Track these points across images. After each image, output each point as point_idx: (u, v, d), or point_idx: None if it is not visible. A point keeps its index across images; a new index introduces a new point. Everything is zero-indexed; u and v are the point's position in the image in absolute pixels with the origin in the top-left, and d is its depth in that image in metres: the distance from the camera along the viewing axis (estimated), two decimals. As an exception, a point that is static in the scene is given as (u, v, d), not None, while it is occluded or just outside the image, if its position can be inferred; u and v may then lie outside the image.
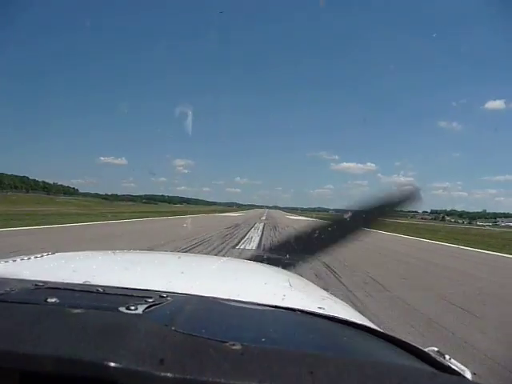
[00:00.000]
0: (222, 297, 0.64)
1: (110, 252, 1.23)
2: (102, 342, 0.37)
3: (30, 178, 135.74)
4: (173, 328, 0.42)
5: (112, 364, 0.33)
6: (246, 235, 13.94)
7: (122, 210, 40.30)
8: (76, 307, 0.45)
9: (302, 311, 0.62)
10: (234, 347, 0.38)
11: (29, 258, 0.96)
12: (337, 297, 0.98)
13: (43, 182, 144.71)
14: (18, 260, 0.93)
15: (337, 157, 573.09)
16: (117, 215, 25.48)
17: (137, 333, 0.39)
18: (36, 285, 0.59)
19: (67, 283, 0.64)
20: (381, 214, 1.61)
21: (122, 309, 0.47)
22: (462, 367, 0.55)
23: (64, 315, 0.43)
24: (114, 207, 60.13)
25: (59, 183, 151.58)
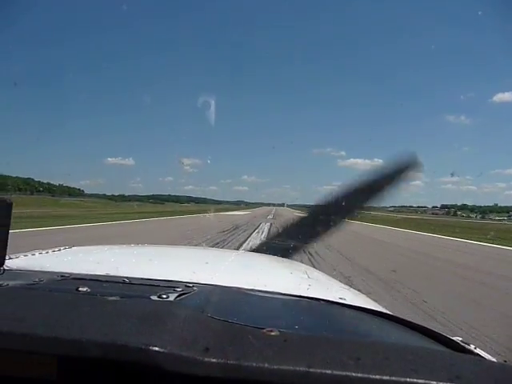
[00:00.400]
0: (246, 287, 0.65)
1: (125, 246, 1.27)
2: (143, 327, 0.36)
3: (36, 179, 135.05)
4: (209, 315, 0.43)
5: (157, 349, 0.33)
6: (243, 243, 10.55)
7: (124, 211, 38.74)
8: (109, 295, 0.46)
9: (326, 301, 0.63)
10: (273, 333, 0.38)
11: (47, 252, 0.94)
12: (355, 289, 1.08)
13: (48, 183, 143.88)
14: (37, 254, 0.91)
15: (344, 153, 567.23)
16: (113, 216, 23.90)
17: (177, 319, 0.39)
18: (62, 276, 0.60)
19: (92, 274, 0.63)
20: (380, 187, 1.52)
21: (154, 297, 0.48)
22: (490, 357, 0.54)
23: (100, 303, 0.43)
24: (117, 208, 59.10)
25: (65, 185, 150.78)
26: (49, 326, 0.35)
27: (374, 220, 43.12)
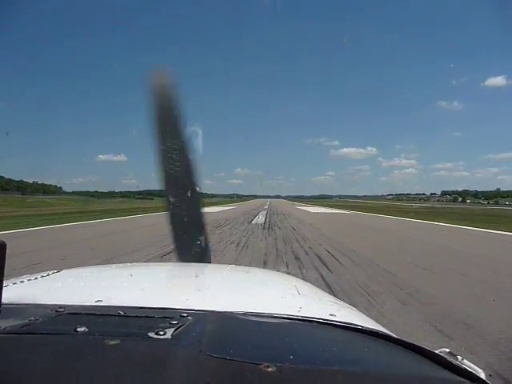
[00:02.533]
0: (238, 311, 0.64)
1: (115, 266, 1.32)
2: (146, 375, 0.38)
3: (6, 177, 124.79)
4: (207, 353, 0.43)
5: None
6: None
7: (91, 209, 33.22)
8: (109, 336, 0.45)
9: (318, 322, 0.63)
10: (270, 369, 0.39)
11: (36, 278, 0.92)
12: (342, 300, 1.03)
13: (21, 181, 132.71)
14: (26, 280, 0.89)
15: (337, 142, 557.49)
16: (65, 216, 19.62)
17: (176, 362, 0.41)
18: (57, 311, 0.57)
19: (85, 306, 0.62)
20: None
21: (152, 334, 0.48)
22: (476, 368, 0.54)
23: (101, 348, 0.43)
24: (92, 205, 54.72)
25: (40, 182, 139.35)
26: (57, 377, 0.36)
27: (389, 211, 32.82)
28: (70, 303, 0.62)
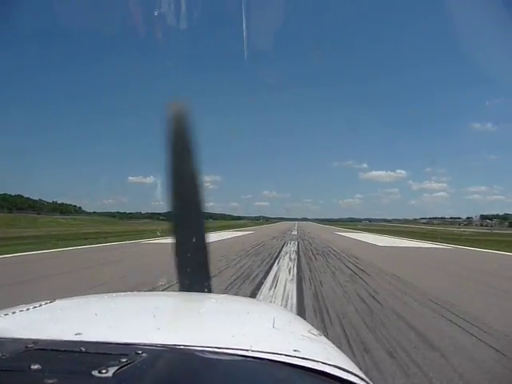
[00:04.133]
0: (198, 345, 0.67)
1: (106, 297, 1.29)
2: None
3: (25, 195, 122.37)
4: None
5: None
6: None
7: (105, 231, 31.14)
8: (54, 373, 0.51)
9: (271, 360, 0.64)
10: None
11: (28, 309, 0.98)
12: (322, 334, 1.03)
13: (40, 200, 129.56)
14: (17, 312, 0.94)
15: (365, 165, 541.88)
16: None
17: None
18: (26, 346, 0.62)
19: (57, 341, 0.66)
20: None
21: (95, 372, 0.52)
22: None
23: None
24: (110, 226, 52.09)
25: (59, 202, 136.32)
26: None
27: (460, 239, 25.38)
28: (46, 337, 0.67)
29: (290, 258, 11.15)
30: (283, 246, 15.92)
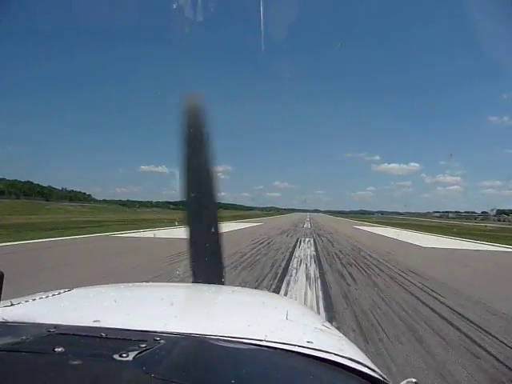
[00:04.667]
0: (214, 334, 0.69)
1: (122, 286, 1.35)
2: None
3: (35, 182, 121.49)
4: (153, 375, 0.49)
5: None
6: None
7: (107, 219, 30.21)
8: (78, 355, 0.53)
9: (286, 350, 0.66)
10: None
11: (47, 297, 1.02)
12: (335, 327, 1.03)
13: (49, 187, 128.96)
14: (37, 298, 0.99)
15: (378, 157, 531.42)
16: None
17: (121, 382, 0.47)
18: (49, 330, 0.65)
19: (77, 326, 0.69)
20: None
21: (116, 356, 0.54)
22: None
23: (65, 366, 0.50)
24: (115, 214, 52.34)
25: (69, 189, 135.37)
26: None
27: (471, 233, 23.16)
28: (66, 323, 0.70)
29: (308, 276, 6.99)
30: (295, 248, 12.01)
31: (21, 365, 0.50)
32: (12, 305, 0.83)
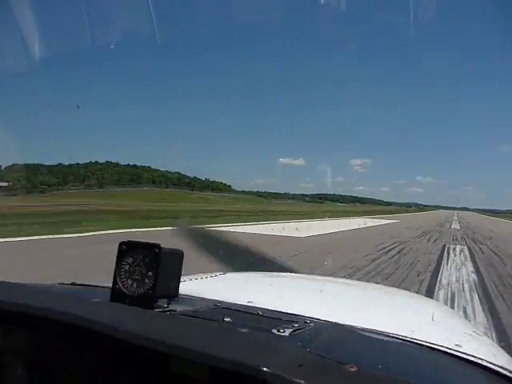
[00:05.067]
0: (357, 325, 0.75)
1: (268, 274, 1.62)
2: (259, 355, 0.50)
3: (182, 173, 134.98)
4: (308, 350, 0.55)
5: (265, 369, 0.45)
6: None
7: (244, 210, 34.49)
8: (244, 327, 0.61)
9: (431, 348, 0.67)
10: (352, 369, 0.47)
11: (206, 277, 1.22)
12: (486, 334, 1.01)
13: (195, 177, 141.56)
14: (199, 278, 1.19)
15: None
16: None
17: (282, 351, 0.53)
18: (215, 304, 0.80)
19: (235, 304, 0.81)
20: None
21: (275, 331, 0.64)
22: None
23: (236, 334, 0.59)
24: (252, 204, 57.79)
25: (211, 180, 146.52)
26: (204, 348, 0.49)
27: None
28: (225, 300, 0.84)
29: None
30: (440, 264, 8.18)
31: (200, 328, 0.61)
32: (184, 281, 0.91)
